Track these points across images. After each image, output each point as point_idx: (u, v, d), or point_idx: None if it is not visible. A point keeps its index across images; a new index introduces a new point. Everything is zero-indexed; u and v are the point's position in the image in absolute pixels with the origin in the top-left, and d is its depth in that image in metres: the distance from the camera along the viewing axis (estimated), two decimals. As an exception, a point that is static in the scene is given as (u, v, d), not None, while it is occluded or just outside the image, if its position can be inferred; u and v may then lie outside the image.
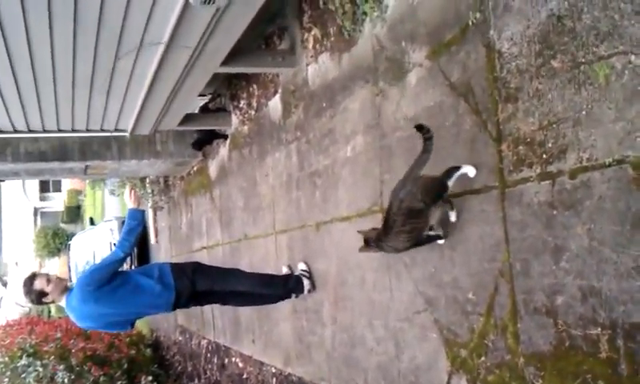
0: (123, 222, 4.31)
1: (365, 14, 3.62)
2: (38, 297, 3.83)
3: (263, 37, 5.22)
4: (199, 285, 4.28)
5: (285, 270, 5.02)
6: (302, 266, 4.69)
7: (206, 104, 7.13)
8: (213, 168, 7.68)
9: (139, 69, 4.39)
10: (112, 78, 4.56)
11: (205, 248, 8.19)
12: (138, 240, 4.02)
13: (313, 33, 4.37)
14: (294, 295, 4.68)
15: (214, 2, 3.26)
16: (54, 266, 34.78)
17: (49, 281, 3.87)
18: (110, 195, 14.53)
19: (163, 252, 11.73)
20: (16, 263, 38.40)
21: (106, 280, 3.85)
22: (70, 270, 15.49)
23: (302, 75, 4.69)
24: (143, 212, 4.16)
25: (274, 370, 5.68)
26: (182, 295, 4.17)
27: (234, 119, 6.55)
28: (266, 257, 5.70)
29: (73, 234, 23.97)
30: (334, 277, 4.26)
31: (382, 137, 3.55)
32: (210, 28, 3.73)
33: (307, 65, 4.57)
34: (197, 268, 4.36)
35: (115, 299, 3.89)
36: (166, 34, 3.72)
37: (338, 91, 4.08)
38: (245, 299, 4.79)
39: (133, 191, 4.22)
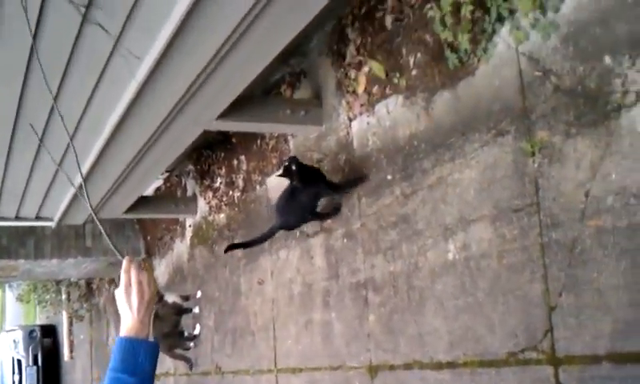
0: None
1: (500, 20, 2.16)
2: None
3: (266, 85, 3.66)
4: None
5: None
6: None
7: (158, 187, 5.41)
8: (162, 270, 5.82)
9: (90, 118, 2.70)
10: (46, 126, 2.82)
11: (145, 376, 6.15)
12: None
13: (366, 69, 2.87)
14: None
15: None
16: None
17: None
18: (14, 301, 11.96)
19: (80, 373, 9.38)
20: None
21: None
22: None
23: (337, 136, 3.14)
24: (156, 345, 1.32)
25: None
26: None
27: (202, 204, 4.84)
28: (257, 404, 3.88)
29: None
30: None
31: (548, 228, 2.01)
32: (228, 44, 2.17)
33: (351, 119, 3.03)
34: None
35: None
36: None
37: (425, 153, 2.54)
38: None
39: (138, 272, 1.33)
